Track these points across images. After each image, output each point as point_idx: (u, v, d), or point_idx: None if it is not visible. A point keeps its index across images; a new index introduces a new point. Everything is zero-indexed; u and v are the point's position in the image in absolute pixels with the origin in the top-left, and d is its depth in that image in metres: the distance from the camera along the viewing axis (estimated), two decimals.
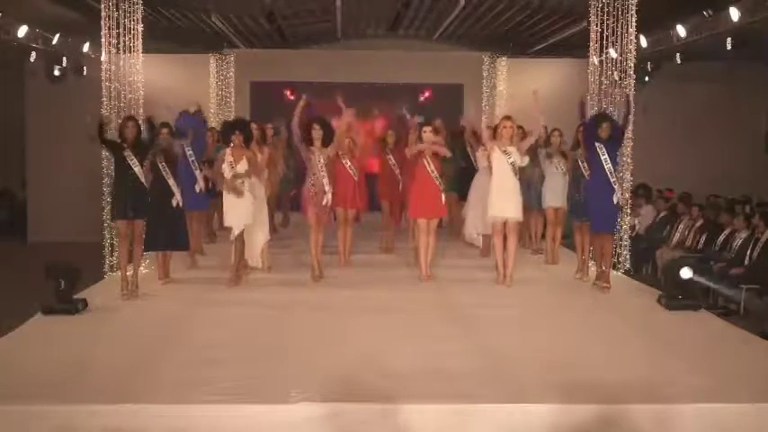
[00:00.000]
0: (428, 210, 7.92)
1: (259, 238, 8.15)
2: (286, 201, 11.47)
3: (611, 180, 7.47)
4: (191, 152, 8.50)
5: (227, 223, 7.76)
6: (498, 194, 7.62)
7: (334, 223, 8.68)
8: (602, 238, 7.71)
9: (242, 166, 7.55)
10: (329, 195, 7.89)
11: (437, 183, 7.87)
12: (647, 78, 12.44)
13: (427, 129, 7.83)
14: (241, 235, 7.66)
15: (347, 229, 8.89)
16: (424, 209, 7.91)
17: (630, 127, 8.44)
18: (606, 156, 7.46)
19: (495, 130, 8.11)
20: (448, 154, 8.05)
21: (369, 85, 14.34)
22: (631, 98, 8.31)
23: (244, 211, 7.61)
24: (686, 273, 6.84)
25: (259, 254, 8.24)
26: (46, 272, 6.63)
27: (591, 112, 8.98)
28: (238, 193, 7.53)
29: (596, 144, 7.50)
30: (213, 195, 8.76)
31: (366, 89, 14.05)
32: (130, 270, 7.33)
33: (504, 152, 7.59)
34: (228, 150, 7.60)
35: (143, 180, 7.18)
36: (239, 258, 7.76)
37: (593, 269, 8.14)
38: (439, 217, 8.12)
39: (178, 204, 7.63)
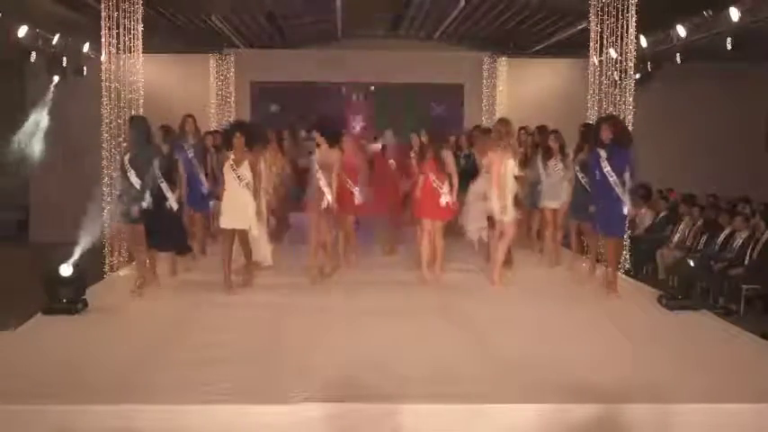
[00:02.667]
0: (433, 210, 7.90)
1: (264, 237, 8.16)
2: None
3: (617, 189, 7.36)
4: (192, 154, 8.49)
5: (229, 225, 7.69)
6: (495, 197, 7.63)
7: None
8: (608, 242, 7.72)
9: (244, 169, 7.53)
10: (329, 198, 7.88)
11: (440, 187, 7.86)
12: (637, 76, 12.45)
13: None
14: (246, 238, 7.64)
15: (349, 230, 8.94)
16: (429, 209, 7.89)
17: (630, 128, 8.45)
18: (606, 162, 7.38)
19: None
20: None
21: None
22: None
23: (242, 212, 7.59)
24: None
25: (270, 252, 8.26)
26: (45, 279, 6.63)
27: (591, 112, 9.01)
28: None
29: (601, 152, 7.43)
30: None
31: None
32: (130, 270, 7.33)
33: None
34: (230, 153, 7.58)
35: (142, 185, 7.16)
36: (249, 259, 7.76)
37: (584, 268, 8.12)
38: (445, 219, 8.08)
39: (171, 208, 7.63)
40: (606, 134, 7.38)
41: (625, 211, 7.42)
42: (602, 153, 7.39)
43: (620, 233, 7.80)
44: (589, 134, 7.72)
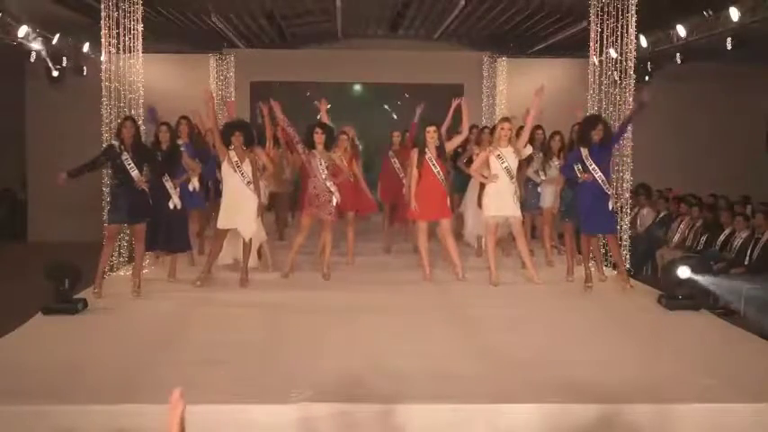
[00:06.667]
0: (431, 211, 7.91)
1: (262, 229, 8.19)
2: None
3: (604, 186, 7.44)
4: (183, 150, 8.46)
5: (230, 225, 7.69)
6: (494, 195, 7.66)
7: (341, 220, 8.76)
8: (591, 240, 7.74)
9: (246, 167, 7.55)
10: (337, 195, 7.94)
11: (442, 184, 7.87)
12: (646, 78, 12.44)
13: (431, 129, 7.84)
14: (249, 237, 7.67)
15: (349, 229, 9.04)
16: (427, 210, 7.90)
17: (630, 127, 8.44)
18: (592, 161, 7.42)
19: (492, 132, 8.16)
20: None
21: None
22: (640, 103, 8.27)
23: (249, 214, 7.60)
24: (684, 272, 6.84)
25: (256, 253, 8.27)
26: (46, 273, 6.61)
27: (591, 112, 8.98)
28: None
29: (583, 150, 7.48)
30: (217, 195, 8.75)
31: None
32: (129, 270, 7.33)
33: (498, 156, 7.62)
34: (232, 152, 7.59)
35: (141, 185, 7.15)
36: (247, 259, 7.77)
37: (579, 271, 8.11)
38: (442, 218, 8.07)
39: (175, 206, 7.65)
40: (599, 135, 7.44)
41: (610, 206, 7.53)
42: (585, 151, 7.44)
43: (613, 229, 7.86)
44: (581, 132, 7.73)
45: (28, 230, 14.96)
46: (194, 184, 8.42)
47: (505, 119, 7.96)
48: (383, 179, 9.98)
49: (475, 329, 6.15)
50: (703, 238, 10.56)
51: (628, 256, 8.90)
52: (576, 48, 12.02)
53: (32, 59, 12.53)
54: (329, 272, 8.13)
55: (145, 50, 9.02)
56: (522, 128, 8.02)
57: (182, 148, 8.21)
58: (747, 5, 9.71)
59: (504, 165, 7.62)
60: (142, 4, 8.87)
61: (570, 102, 9.43)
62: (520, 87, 14.66)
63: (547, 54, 14.98)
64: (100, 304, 6.89)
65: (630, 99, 8.75)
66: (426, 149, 7.83)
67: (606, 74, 9.08)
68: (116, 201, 7.21)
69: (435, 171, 7.81)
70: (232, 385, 4.71)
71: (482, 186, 7.94)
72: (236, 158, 7.55)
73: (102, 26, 8.52)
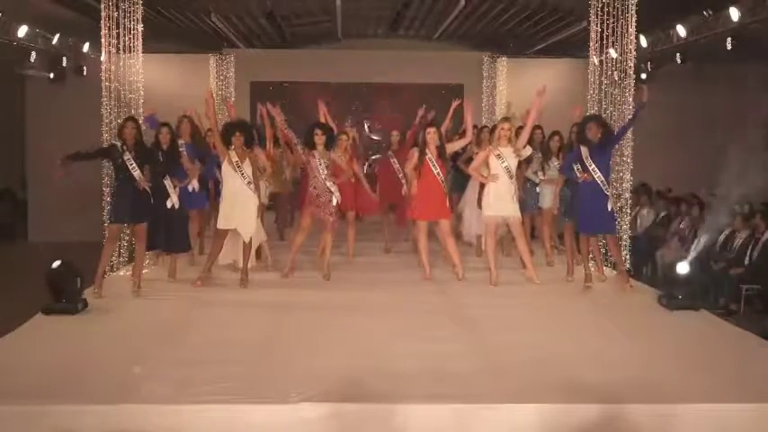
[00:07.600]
0: (430, 211, 7.91)
1: (261, 228, 8.21)
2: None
3: (603, 186, 7.42)
4: (183, 150, 8.48)
5: (229, 226, 7.68)
6: (493, 195, 7.66)
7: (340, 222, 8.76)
8: (590, 240, 7.75)
9: (247, 167, 7.55)
10: (337, 194, 7.95)
11: (442, 184, 7.88)
12: (643, 75, 12.45)
13: (431, 129, 7.84)
14: (249, 237, 7.68)
15: (350, 229, 9.07)
16: (426, 210, 7.90)
17: (631, 128, 8.45)
18: (592, 161, 7.43)
19: (492, 132, 8.17)
20: None
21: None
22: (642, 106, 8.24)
23: (249, 214, 7.61)
24: (683, 268, 6.85)
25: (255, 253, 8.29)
26: (47, 277, 6.61)
27: (591, 112, 8.98)
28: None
29: (583, 150, 7.48)
30: (217, 195, 8.76)
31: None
32: (129, 270, 7.33)
33: (498, 156, 7.63)
34: (232, 152, 7.59)
35: (143, 184, 7.15)
36: (247, 259, 7.78)
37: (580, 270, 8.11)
38: (442, 218, 8.07)
39: (173, 206, 7.65)
40: (594, 133, 7.42)
41: (609, 207, 7.51)
42: (585, 151, 7.44)
43: (613, 229, 7.85)
44: (581, 132, 7.73)
45: (28, 230, 14.96)
46: (194, 184, 8.42)
47: (505, 119, 7.99)
48: (382, 179, 9.97)
49: (475, 329, 6.14)
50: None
51: (628, 256, 8.90)
52: (576, 48, 12.04)
53: (32, 59, 12.55)
54: (329, 272, 8.13)
55: (145, 50, 9.02)
56: (521, 128, 8.02)
57: (182, 149, 8.21)
58: (747, 5, 9.72)
59: (504, 164, 7.63)
60: (142, 4, 8.87)
61: (570, 102, 9.43)
62: (520, 87, 14.70)
63: (547, 54, 15.00)
64: (100, 304, 6.88)
65: (630, 99, 8.76)
66: (426, 149, 7.83)
67: (606, 74, 9.08)
68: (117, 200, 7.21)
69: (435, 172, 7.81)
70: (231, 385, 4.71)
71: (482, 186, 7.95)
72: (236, 159, 7.54)
73: (102, 26, 8.53)
